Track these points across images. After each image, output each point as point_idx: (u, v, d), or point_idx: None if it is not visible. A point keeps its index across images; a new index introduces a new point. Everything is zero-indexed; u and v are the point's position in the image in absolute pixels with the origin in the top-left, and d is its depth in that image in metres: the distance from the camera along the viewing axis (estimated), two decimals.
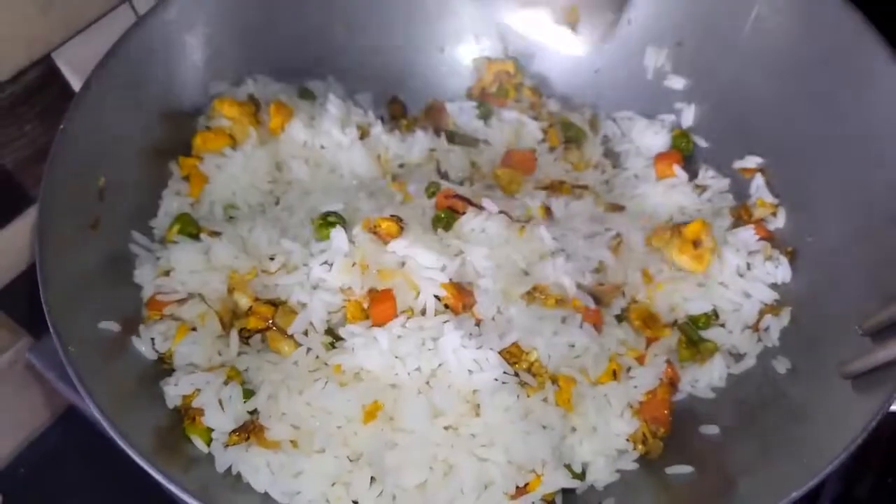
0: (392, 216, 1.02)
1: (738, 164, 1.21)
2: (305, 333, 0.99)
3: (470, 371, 0.94)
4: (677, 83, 1.27)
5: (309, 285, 1.01)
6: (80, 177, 0.99)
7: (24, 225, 1.14)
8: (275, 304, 1.02)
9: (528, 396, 0.96)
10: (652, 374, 1.03)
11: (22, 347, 1.23)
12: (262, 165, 1.16)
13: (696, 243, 1.11)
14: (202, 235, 1.08)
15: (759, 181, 1.18)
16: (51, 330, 0.85)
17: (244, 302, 1.03)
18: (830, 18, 1.07)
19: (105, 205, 1.01)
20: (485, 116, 1.30)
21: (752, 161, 1.20)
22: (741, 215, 1.19)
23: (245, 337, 1.01)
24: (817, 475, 0.81)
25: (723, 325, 1.10)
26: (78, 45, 1.09)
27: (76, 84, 1.10)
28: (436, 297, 0.98)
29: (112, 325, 0.96)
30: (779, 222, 1.15)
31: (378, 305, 0.98)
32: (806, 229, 1.11)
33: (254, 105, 1.19)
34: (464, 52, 1.37)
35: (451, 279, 0.99)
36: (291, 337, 0.99)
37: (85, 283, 0.96)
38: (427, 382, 0.95)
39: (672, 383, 1.05)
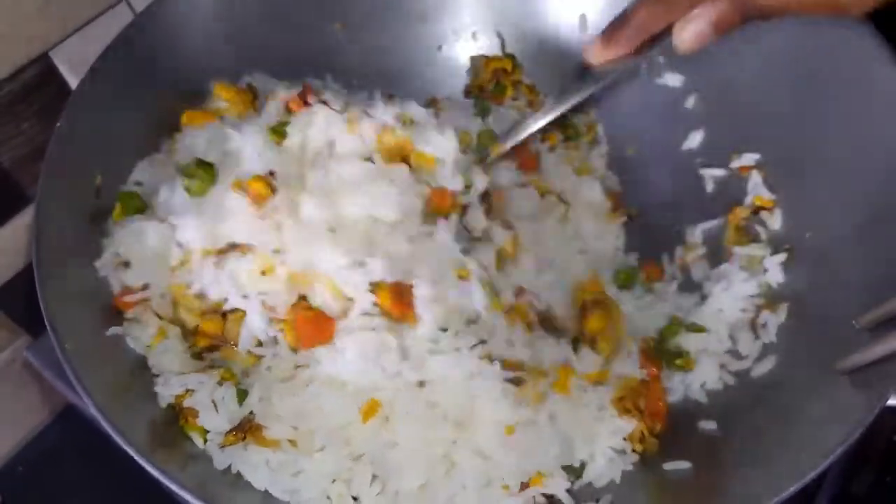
0: (267, 173, 0.95)
1: (735, 163, 1.21)
2: (261, 344, 0.95)
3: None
4: (674, 80, 1.27)
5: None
6: (77, 175, 0.99)
7: (21, 224, 1.14)
8: (223, 313, 0.96)
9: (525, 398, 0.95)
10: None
11: (20, 346, 1.23)
12: None
13: (593, 340, 1.04)
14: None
15: (756, 178, 1.18)
16: (48, 328, 0.85)
17: (190, 320, 0.96)
18: (829, 16, 1.07)
19: (102, 203, 1.01)
20: (482, 114, 1.30)
21: (749, 159, 1.20)
22: (731, 220, 1.19)
23: (198, 354, 0.97)
24: (815, 469, 0.81)
25: (707, 331, 1.10)
26: (76, 43, 1.09)
27: (74, 82, 1.10)
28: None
29: (111, 324, 0.96)
30: (776, 219, 1.15)
31: (306, 329, 0.92)
32: (804, 226, 1.11)
33: (252, 93, 1.18)
34: (461, 50, 1.37)
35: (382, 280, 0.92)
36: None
37: (82, 281, 0.96)
38: (420, 384, 0.94)
39: (656, 379, 1.04)
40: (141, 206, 1.03)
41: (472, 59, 1.36)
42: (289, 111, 1.04)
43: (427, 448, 0.91)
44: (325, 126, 1.00)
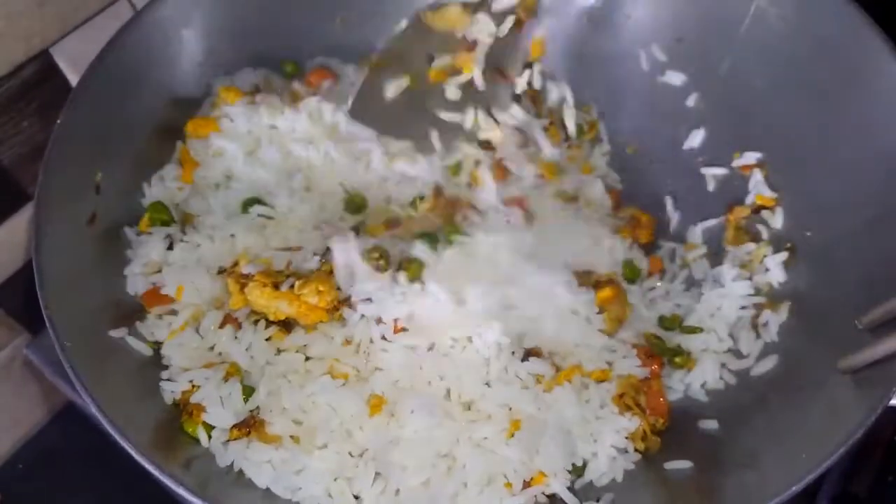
0: None
1: (736, 162, 1.20)
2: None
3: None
4: (676, 79, 1.26)
5: None
6: (77, 172, 0.99)
7: (21, 221, 1.14)
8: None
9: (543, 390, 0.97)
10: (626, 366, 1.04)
11: (20, 344, 1.23)
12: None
13: (600, 311, 1.08)
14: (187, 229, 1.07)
15: (757, 177, 1.18)
16: (47, 326, 0.85)
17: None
18: (830, 13, 1.06)
19: (102, 200, 1.01)
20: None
21: (750, 157, 1.19)
22: (730, 219, 1.19)
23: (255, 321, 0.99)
24: (816, 469, 0.81)
25: (703, 330, 1.10)
26: (76, 40, 1.09)
27: (74, 79, 1.09)
28: None
29: (111, 324, 0.96)
30: (777, 218, 1.15)
31: None
32: (805, 224, 1.11)
33: (255, 94, 1.18)
34: None
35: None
36: (336, 309, 0.98)
37: (82, 279, 0.95)
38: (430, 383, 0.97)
39: (656, 376, 1.05)
40: (168, 219, 1.07)
41: None
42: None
43: (430, 445, 0.92)
44: None
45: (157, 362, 0.98)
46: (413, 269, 1.01)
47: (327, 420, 0.93)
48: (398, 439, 0.92)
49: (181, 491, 0.80)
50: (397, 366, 0.96)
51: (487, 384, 0.97)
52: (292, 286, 0.97)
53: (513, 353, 0.99)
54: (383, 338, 0.98)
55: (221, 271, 1.02)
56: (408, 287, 1.00)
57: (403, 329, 0.98)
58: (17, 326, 1.21)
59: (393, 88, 1.18)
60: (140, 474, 0.81)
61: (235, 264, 1.01)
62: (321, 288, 0.97)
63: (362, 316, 0.98)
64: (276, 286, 0.98)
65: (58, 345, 0.84)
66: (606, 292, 1.07)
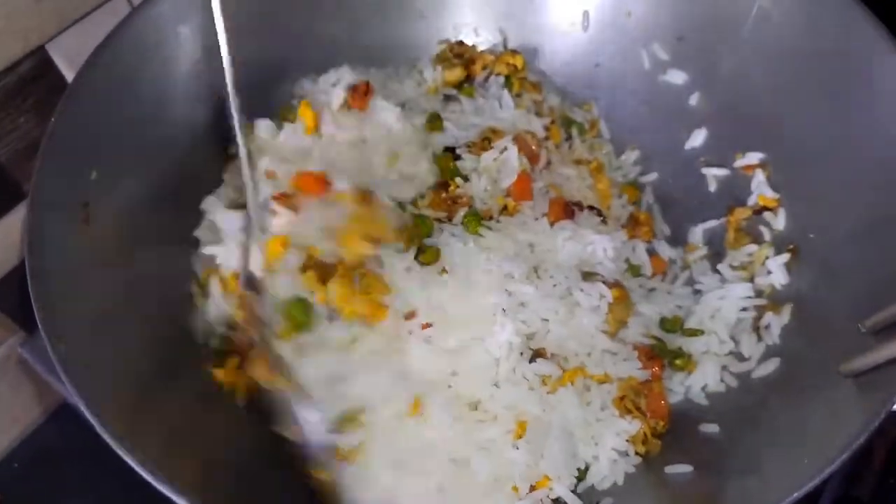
0: None
1: (738, 162, 1.20)
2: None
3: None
4: (677, 78, 1.26)
5: None
6: (72, 170, 0.98)
7: (16, 219, 1.13)
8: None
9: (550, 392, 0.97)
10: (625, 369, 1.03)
11: (14, 343, 1.22)
12: None
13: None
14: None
15: (759, 177, 1.17)
16: (39, 326, 0.84)
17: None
18: (833, 12, 1.06)
19: (97, 199, 1.00)
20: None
21: (753, 157, 1.19)
22: (731, 221, 1.19)
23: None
24: (819, 475, 0.80)
25: (705, 332, 1.09)
26: (73, 36, 1.08)
27: (70, 76, 1.09)
28: None
29: (106, 323, 0.95)
30: (780, 219, 1.14)
31: None
32: (808, 226, 1.10)
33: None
34: None
35: None
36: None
37: (76, 279, 0.94)
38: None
39: (657, 378, 1.04)
40: (309, 323, 1.01)
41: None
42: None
43: (443, 446, 0.92)
44: None
45: (155, 363, 0.96)
46: (430, 253, 1.01)
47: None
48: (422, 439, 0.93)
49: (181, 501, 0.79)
50: (424, 363, 0.97)
51: (496, 385, 0.96)
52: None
53: (521, 353, 0.98)
54: (410, 334, 0.98)
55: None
56: (428, 273, 1.00)
57: (429, 325, 0.98)
58: (12, 325, 1.21)
59: None
60: (136, 473, 0.80)
61: (310, 258, 1.00)
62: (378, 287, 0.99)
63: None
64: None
65: (49, 345, 0.83)
66: (613, 294, 1.06)
